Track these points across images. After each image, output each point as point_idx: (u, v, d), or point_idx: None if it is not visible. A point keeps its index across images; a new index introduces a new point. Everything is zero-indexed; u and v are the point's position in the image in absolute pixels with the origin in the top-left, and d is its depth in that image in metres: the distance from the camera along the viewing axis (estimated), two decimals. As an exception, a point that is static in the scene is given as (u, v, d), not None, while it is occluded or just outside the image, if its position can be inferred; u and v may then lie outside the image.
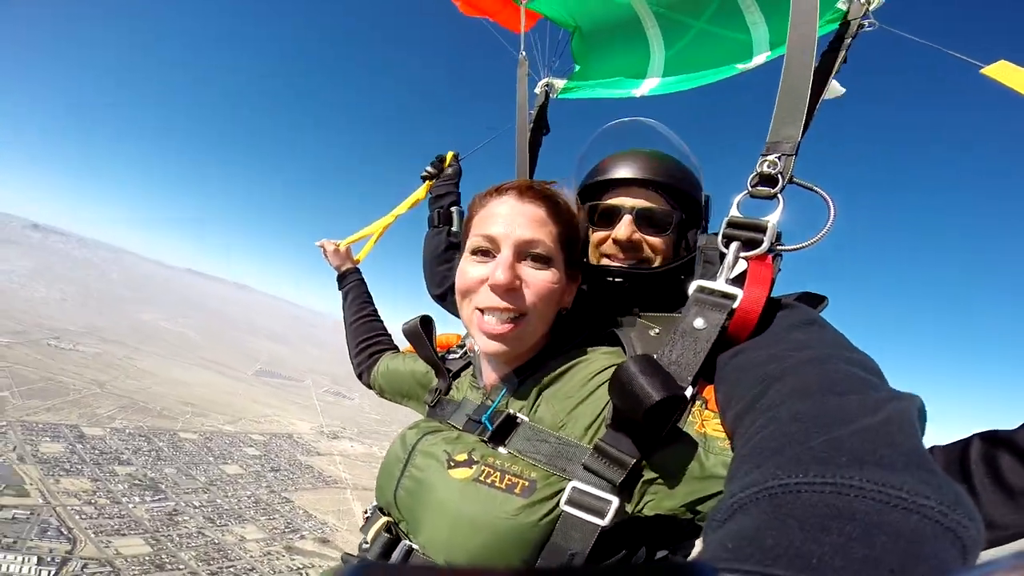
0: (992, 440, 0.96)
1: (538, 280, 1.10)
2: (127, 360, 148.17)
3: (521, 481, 0.99)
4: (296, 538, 71.38)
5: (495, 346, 1.12)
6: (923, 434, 0.60)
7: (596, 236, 1.43)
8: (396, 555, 1.12)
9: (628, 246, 1.38)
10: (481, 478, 1.02)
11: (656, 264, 1.39)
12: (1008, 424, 0.94)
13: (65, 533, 54.49)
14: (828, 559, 0.40)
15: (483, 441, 1.12)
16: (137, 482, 72.62)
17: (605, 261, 1.42)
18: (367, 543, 1.21)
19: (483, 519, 0.97)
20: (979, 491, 0.91)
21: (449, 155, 2.54)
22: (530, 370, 1.19)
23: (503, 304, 1.09)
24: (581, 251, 1.27)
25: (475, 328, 1.16)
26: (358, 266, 2.41)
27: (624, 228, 1.36)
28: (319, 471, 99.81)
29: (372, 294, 2.30)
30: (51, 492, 61.59)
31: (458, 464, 1.08)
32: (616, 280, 1.36)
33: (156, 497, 69.93)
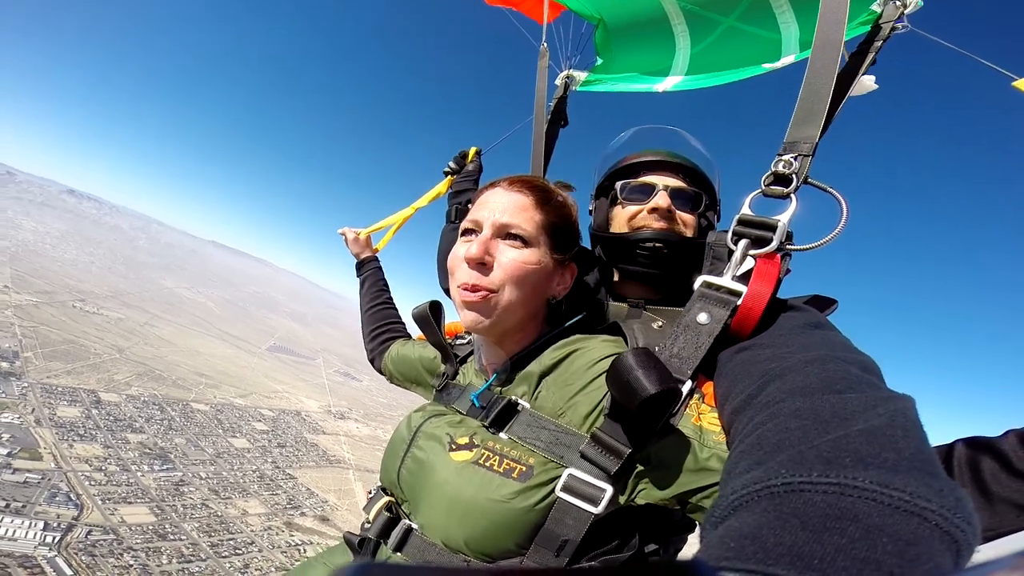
0: (975, 445, 0.97)
1: (510, 257, 1.13)
2: (147, 327, 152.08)
3: (519, 466, 1.01)
4: (296, 515, 73.08)
5: (471, 316, 1.14)
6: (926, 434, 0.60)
7: (627, 211, 1.48)
8: (395, 534, 1.15)
9: (666, 215, 1.42)
10: (480, 461, 1.04)
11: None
12: (990, 431, 0.96)
13: (73, 499, 56.33)
14: (830, 559, 0.40)
15: (484, 426, 1.13)
16: (147, 451, 74.72)
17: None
18: (369, 522, 1.23)
19: (479, 501, 0.98)
20: None
21: (472, 151, 2.56)
22: (526, 357, 1.21)
23: (474, 278, 1.12)
24: (574, 241, 1.28)
25: (457, 304, 1.19)
26: (377, 255, 2.44)
27: (662, 198, 1.42)
28: (324, 450, 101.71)
29: (389, 283, 2.34)
30: (64, 457, 63.69)
31: (459, 447, 1.10)
32: (656, 245, 1.40)
33: (164, 467, 71.94)
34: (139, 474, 67.68)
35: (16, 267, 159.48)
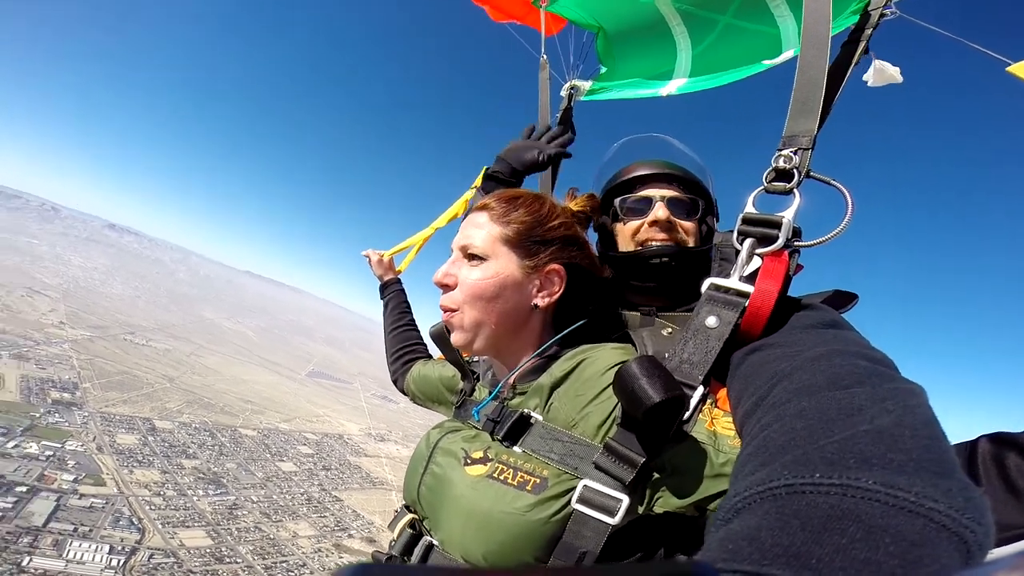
0: (1000, 441, 0.95)
1: (466, 276, 1.19)
2: (193, 357, 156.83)
3: (533, 478, 1.01)
4: (345, 536, 73.23)
5: (453, 338, 1.23)
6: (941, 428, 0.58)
7: (629, 227, 1.49)
8: (417, 551, 1.16)
9: (666, 226, 1.43)
10: (494, 475, 1.04)
11: (691, 246, 1.46)
12: (1013, 427, 0.95)
13: (136, 523, 57.99)
14: (828, 560, 0.40)
15: (498, 440, 1.13)
16: (201, 476, 76.47)
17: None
18: (394, 539, 1.24)
19: (494, 515, 0.98)
20: (988, 492, 0.90)
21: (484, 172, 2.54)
22: (532, 370, 1.22)
23: (442, 301, 1.22)
24: (553, 243, 1.26)
25: None
26: (399, 277, 2.47)
27: (660, 210, 1.43)
28: (367, 472, 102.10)
29: (411, 304, 2.35)
30: (125, 482, 65.78)
31: (474, 461, 1.11)
32: (662, 259, 1.41)
33: (218, 491, 73.40)
34: (195, 498, 69.17)
35: (69, 303, 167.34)
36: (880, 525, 0.42)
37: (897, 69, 1.47)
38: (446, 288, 1.22)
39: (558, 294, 1.24)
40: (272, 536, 66.63)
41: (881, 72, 1.50)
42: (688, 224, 1.46)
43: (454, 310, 1.20)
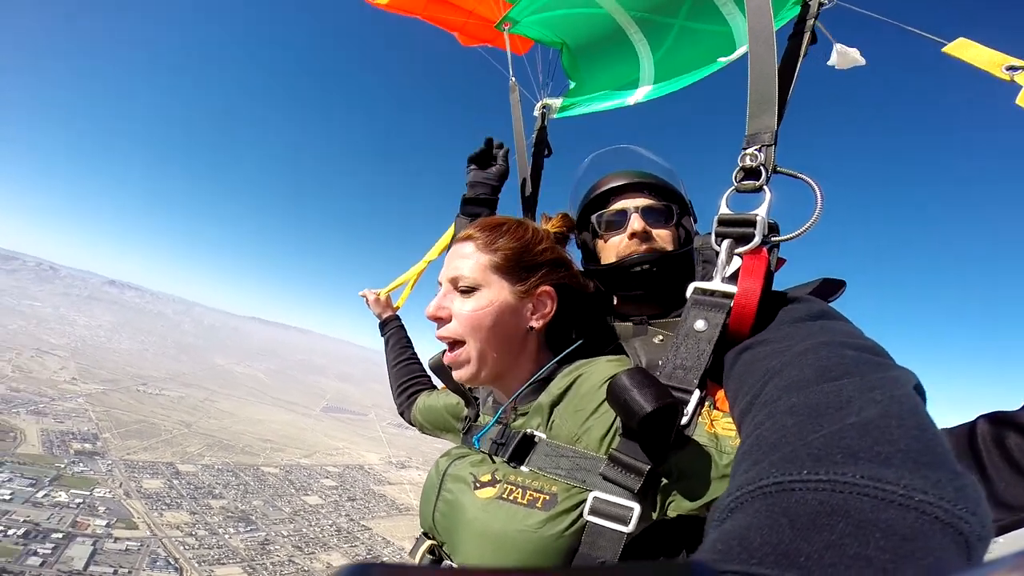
0: (998, 421, 0.96)
1: (461, 309, 1.19)
2: (207, 402, 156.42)
3: (542, 495, 1.01)
4: (379, 565, 72.27)
5: (454, 373, 1.24)
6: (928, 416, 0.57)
7: (611, 242, 1.54)
8: None
9: (644, 236, 1.48)
10: (504, 495, 1.05)
11: (670, 250, 1.50)
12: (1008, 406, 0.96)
13: (172, 563, 57.63)
14: (817, 557, 0.39)
15: (505, 461, 1.14)
16: (230, 514, 76.09)
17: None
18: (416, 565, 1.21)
19: (509, 534, 0.99)
20: (991, 474, 0.91)
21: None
22: (531, 391, 1.23)
23: (440, 333, 1.22)
24: (541, 266, 1.27)
25: None
26: (397, 313, 2.56)
27: (636, 222, 1.48)
28: (392, 499, 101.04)
29: (412, 338, 2.45)
30: (156, 525, 65.40)
31: (483, 484, 1.12)
32: (644, 268, 1.45)
33: (248, 528, 72.93)
34: (226, 536, 68.74)
35: (79, 360, 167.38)
36: (869, 520, 0.41)
37: (857, 51, 1.53)
38: (440, 321, 1.23)
39: (551, 315, 1.26)
40: (307, 568, 65.94)
41: (844, 55, 1.57)
42: (664, 231, 1.50)
43: (457, 342, 1.21)
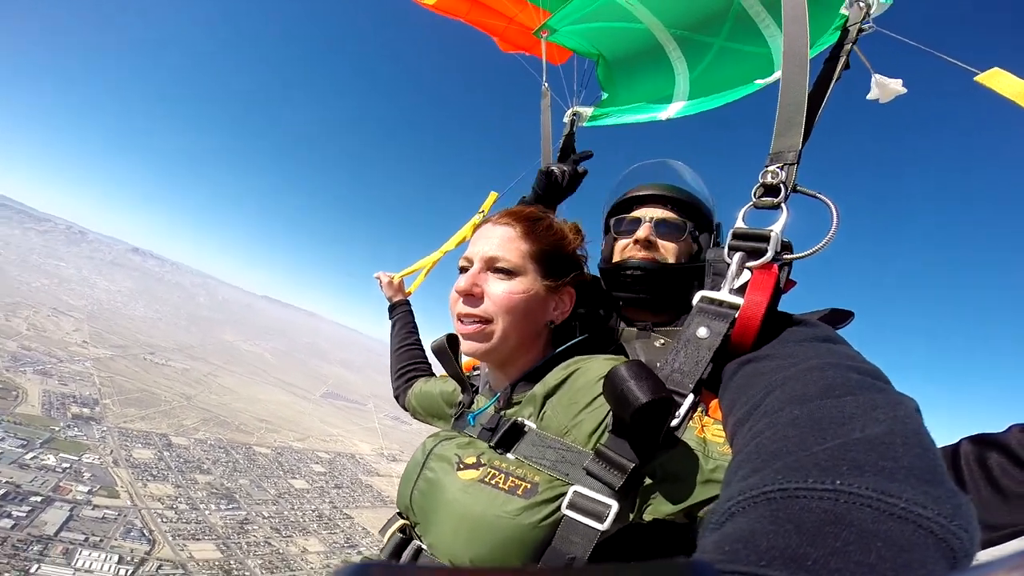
0: (981, 442, 0.98)
1: (498, 289, 1.20)
2: (211, 377, 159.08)
3: (524, 483, 1.02)
4: (354, 553, 72.26)
5: (469, 346, 1.23)
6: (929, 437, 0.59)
7: (620, 244, 1.61)
8: (406, 555, 1.17)
9: (646, 244, 1.53)
10: (486, 479, 1.06)
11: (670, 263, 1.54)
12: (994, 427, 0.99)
13: (146, 535, 58.26)
14: (824, 561, 0.41)
15: (491, 447, 1.15)
16: (214, 491, 76.75)
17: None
18: (384, 543, 1.25)
19: (485, 518, 0.99)
20: (973, 494, 0.93)
21: (489, 198, 2.64)
22: (528, 380, 1.25)
23: (467, 310, 1.21)
24: (571, 265, 1.31)
25: (458, 335, 1.27)
26: (408, 298, 2.56)
27: (643, 230, 1.54)
28: (378, 491, 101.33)
29: (420, 325, 2.43)
30: (138, 495, 66.37)
31: (467, 466, 1.12)
32: (634, 272, 1.50)
33: (230, 506, 73.48)
34: (207, 512, 69.32)
35: (93, 324, 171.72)
36: (872, 530, 0.44)
37: (899, 81, 1.49)
38: (470, 298, 1.21)
39: (569, 312, 1.30)
40: (282, 551, 66.26)
41: (884, 87, 1.53)
42: (671, 244, 1.54)
43: (485, 320, 1.20)
